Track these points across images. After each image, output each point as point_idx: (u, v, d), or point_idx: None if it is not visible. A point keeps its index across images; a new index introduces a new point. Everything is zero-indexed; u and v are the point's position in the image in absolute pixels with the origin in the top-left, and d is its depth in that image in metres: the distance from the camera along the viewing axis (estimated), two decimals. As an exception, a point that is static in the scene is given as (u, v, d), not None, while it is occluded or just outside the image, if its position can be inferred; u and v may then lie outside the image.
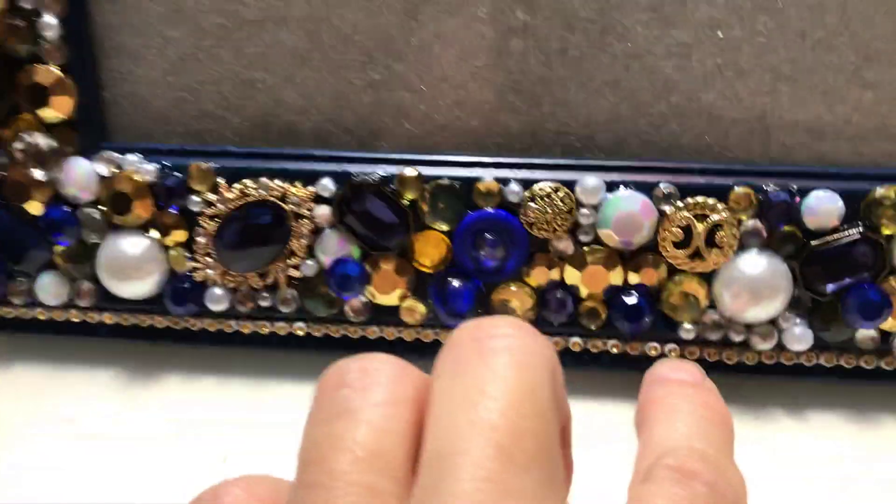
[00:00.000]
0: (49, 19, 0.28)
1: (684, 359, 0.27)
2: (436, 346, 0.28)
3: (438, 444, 0.13)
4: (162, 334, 0.31)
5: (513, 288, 0.28)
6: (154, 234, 0.29)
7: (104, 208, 0.29)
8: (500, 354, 0.14)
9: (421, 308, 0.29)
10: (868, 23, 0.27)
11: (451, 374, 0.14)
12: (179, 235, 0.29)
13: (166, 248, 0.29)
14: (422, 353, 0.29)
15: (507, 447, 0.13)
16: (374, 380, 0.14)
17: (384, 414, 0.14)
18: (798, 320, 0.27)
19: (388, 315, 0.29)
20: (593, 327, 0.28)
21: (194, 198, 0.29)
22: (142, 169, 0.29)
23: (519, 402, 0.13)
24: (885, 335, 0.27)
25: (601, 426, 0.27)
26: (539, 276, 0.28)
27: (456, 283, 0.28)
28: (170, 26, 0.30)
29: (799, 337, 0.27)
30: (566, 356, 0.28)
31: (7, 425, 0.29)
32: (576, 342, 0.28)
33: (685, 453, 0.16)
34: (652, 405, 0.20)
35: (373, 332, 0.29)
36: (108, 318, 0.31)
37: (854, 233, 0.26)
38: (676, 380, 0.21)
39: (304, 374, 0.28)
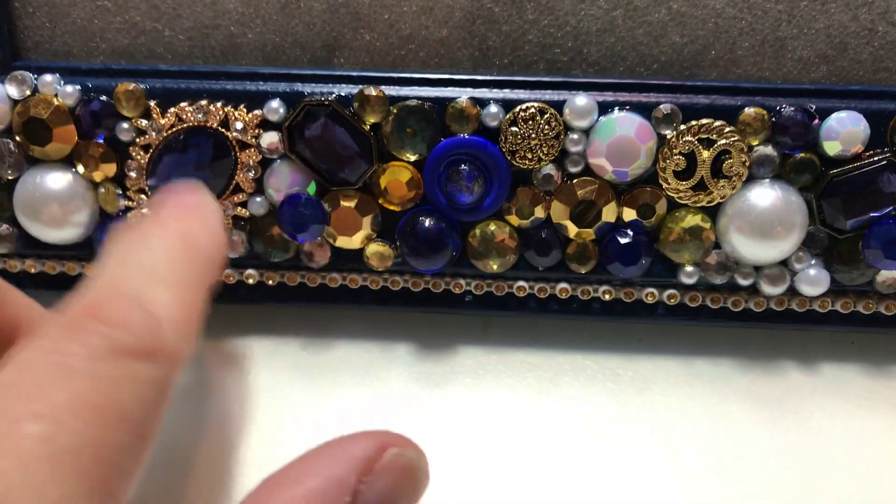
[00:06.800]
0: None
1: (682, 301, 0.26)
2: (405, 295, 0.26)
3: None
4: (94, 285, 0.28)
5: (492, 227, 0.25)
6: (79, 168, 0.26)
7: (20, 139, 0.26)
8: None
9: (388, 252, 0.26)
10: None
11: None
12: (108, 169, 0.26)
13: (95, 184, 0.27)
14: (389, 302, 0.26)
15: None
16: None
17: None
18: (813, 261, 0.25)
19: (350, 260, 0.26)
20: (583, 271, 0.26)
21: (123, 125, 0.26)
22: (61, 91, 0.26)
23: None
24: (908, 277, 0.25)
25: (589, 379, 0.26)
26: (522, 213, 0.25)
27: (427, 222, 0.25)
28: (86, -81, 0.27)
29: (813, 280, 0.25)
30: (552, 303, 0.27)
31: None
32: (563, 288, 0.26)
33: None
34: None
35: (333, 279, 0.27)
36: (31, 267, 0.28)
37: (880, 159, 0.24)
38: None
39: (256, 329, 0.28)
